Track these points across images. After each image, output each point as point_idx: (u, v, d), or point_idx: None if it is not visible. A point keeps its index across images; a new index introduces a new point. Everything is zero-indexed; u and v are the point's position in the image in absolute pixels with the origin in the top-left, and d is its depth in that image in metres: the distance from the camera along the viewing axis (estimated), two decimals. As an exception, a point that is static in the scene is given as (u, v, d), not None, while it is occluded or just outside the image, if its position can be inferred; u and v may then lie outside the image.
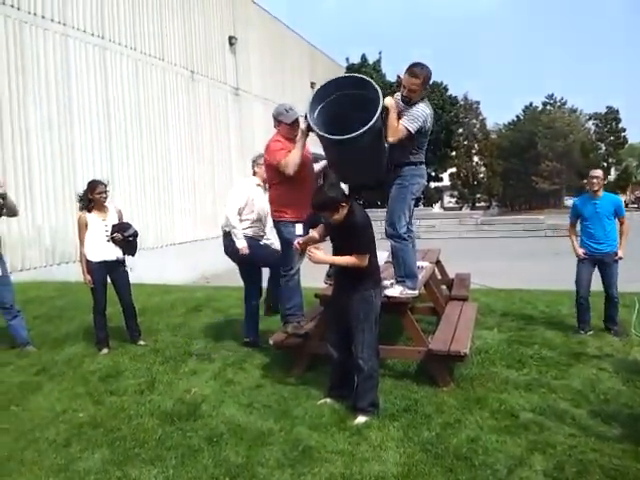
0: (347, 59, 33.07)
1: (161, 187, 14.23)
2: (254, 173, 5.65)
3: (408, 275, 4.72)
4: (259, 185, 5.54)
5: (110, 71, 12.66)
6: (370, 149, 4.37)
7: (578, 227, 6.16)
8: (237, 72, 18.17)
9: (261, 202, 5.44)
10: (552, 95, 51.29)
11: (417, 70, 4.49)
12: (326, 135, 4.24)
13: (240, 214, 5.38)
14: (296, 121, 4.87)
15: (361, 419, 3.75)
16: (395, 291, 4.64)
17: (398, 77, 31.76)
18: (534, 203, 48.87)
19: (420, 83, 4.49)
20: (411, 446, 3.40)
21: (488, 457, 3.23)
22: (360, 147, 4.19)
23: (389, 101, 4.46)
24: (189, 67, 15.63)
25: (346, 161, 4.50)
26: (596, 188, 5.88)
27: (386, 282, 4.89)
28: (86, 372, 4.88)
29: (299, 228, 4.87)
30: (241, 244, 5.29)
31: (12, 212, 5.60)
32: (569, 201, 48.18)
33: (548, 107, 50.78)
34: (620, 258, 5.84)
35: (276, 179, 4.83)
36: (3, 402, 4.29)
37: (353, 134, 4.04)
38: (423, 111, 4.52)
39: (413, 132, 4.47)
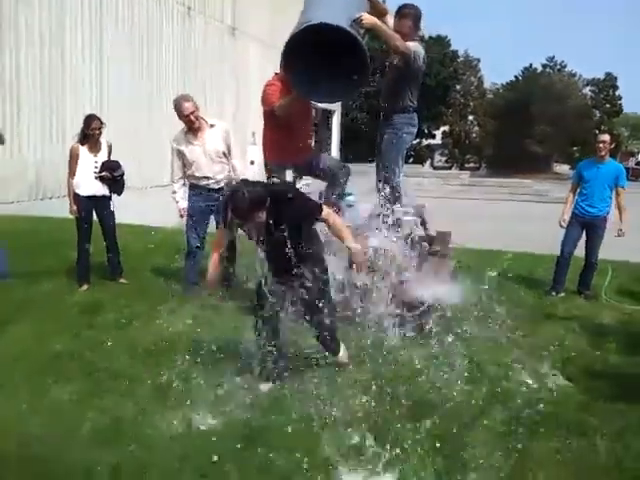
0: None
1: (152, 126, 14.01)
2: None
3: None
4: None
5: (105, 5, 12.30)
6: None
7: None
8: (235, 11, 17.70)
9: None
10: (553, 58, 50.58)
11: (406, 10, 4.48)
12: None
13: None
14: None
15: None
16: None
17: None
18: (524, 167, 48.83)
19: (411, 24, 4.45)
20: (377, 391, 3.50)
21: (452, 405, 3.35)
22: None
23: (366, 16, 4.08)
24: (186, 3, 15.19)
25: None
26: (602, 153, 5.89)
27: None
28: (65, 306, 4.93)
29: (289, 173, 4.90)
30: None
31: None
32: (558, 168, 48.31)
33: (547, 70, 50.16)
34: (623, 234, 5.83)
35: (269, 122, 4.80)
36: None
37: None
38: (415, 45, 4.42)
39: (411, 53, 4.34)
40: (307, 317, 3.50)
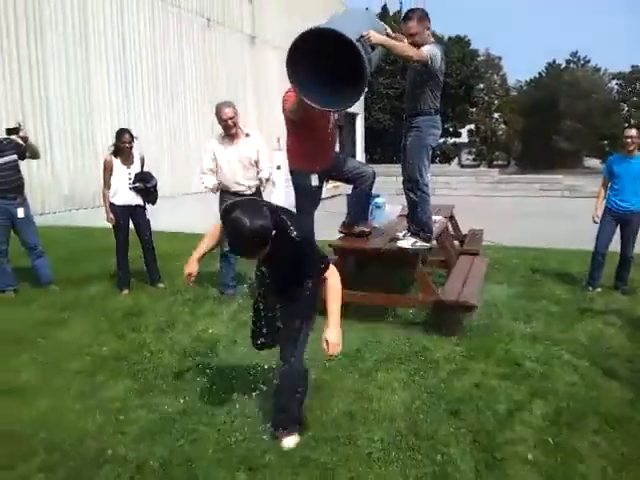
0: (367, 9, 32.21)
1: (177, 137, 14.27)
2: None
3: (423, 228, 4.81)
4: None
5: (127, 17, 12.57)
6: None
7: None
8: (254, 20, 17.87)
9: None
10: (576, 53, 49.85)
11: (409, 13, 4.58)
12: (317, 107, 4.20)
13: None
14: None
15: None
16: (407, 243, 4.74)
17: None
18: (553, 163, 48.21)
19: (416, 23, 4.48)
20: (417, 388, 3.56)
21: (491, 401, 3.39)
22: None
23: (373, 33, 4.07)
24: (205, 14, 15.41)
25: None
26: (631, 148, 5.83)
27: (399, 234, 5.00)
28: (108, 310, 5.09)
29: (315, 179, 4.95)
30: None
31: (34, 154, 5.78)
32: (588, 162, 47.53)
33: (571, 65, 49.48)
34: None
35: (292, 129, 4.89)
36: (30, 335, 4.51)
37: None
38: (430, 49, 4.42)
39: (427, 58, 4.34)
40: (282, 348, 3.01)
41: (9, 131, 5.49)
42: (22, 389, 3.57)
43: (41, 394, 3.50)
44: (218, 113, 5.27)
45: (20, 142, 5.56)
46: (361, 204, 5.17)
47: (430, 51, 4.40)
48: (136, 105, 12.89)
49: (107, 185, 5.63)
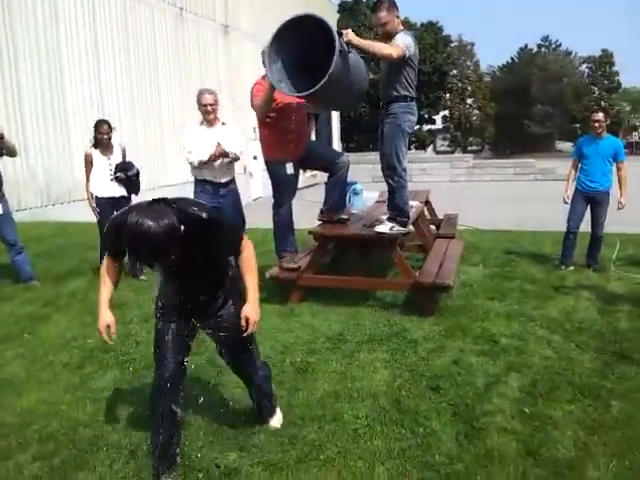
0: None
1: (152, 128, 14.19)
2: None
3: (400, 213, 4.93)
4: None
5: (98, 7, 12.43)
6: (344, 87, 4.35)
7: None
8: (227, 8, 17.77)
9: None
10: (547, 37, 50.53)
11: (378, 4, 4.65)
12: (290, 94, 4.31)
13: None
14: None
15: None
16: (385, 227, 4.85)
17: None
18: (526, 147, 48.86)
19: (386, 13, 4.57)
20: (398, 367, 3.69)
21: (469, 376, 3.53)
22: (333, 90, 4.15)
23: (351, 35, 4.20)
24: (177, 4, 15.29)
25: (324, 100, 4.53)
26: (599, 131, 6.02)
27: (380, 218, 5.11)
28: (91, 303, 5.08)
29: (289, 167, 5.02)
30: None
31: (11, 152, 5.73)
32: (560, 145, 48.27)
33: (543, 50, 50.06)
34: (622, 206, 5.98)
35: (263, 119, 4.95)
36: (15, 331, 4.54)
37: (316, 86, 3.97)
38: (403, 38, 4.52)
39: (405, 51, 4.44)
40: (237, 365, 2.87)
41: None
42: (10, 383, 3.62)
43: (30, 387, 3.55)
44: (199, 98, 5.36)
45: (1, 134, 5.52)
46: (338, 191, 5.27)
47: (404, 42, 4.49)
48: (109, 97, 12.77)
49: (88, 177, 5.63)
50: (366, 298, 5.09)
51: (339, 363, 3.76)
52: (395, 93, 4.68)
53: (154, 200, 2.32)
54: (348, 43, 4.17)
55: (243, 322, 2.57)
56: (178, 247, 2.23)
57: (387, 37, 4.63)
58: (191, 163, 5.32)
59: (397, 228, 4.88)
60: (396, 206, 4.92)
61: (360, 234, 5.00)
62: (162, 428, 2.55)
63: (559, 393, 3.28)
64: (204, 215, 2.38)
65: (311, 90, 4.04)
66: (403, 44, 4.46)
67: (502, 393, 3.31)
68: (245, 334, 2.59)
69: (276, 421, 3.01)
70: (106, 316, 2.61)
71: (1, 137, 5.54)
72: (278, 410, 3.05)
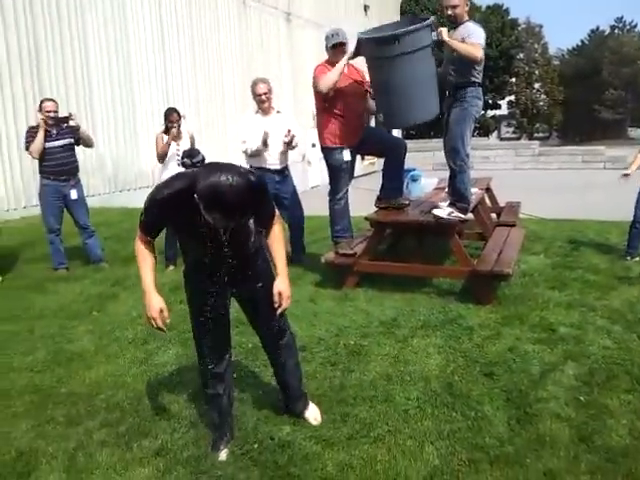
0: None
1: (215, 117, 14.50)
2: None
3: (461, 199, 4.89)
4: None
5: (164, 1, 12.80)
6: (421, 69, 4.42)
7: None
8: (288, -4, 17.88)
9: None
10: (621, 18, 48.20)
11: None
12: (373, 35, 4.47)
13: None
14: (338, 45, 4.93)
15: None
16: (443, 212, 4.82)
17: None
18: (596, 134, 46.91)
19: (457, 1, 4.57)
20: (452, 352, 3.69)
21: (524, 363, 3.50)
22: (409, 64, 4.30)
23: (444, 32, 4.46)
24: (241, -8, 15.52)
25: (394, 87, 4.52)
26: None
27: (439, 204, 5.08)
28: (156, 284, 5.33)
29: (347, 154, 5.08)
30: None
31: (87, 143, 6.08)
32: (633, 132, 46.01)
33: (616, 31, 47.78)
34: None
35: (321, 105, 5.01)
36: (85, 309, 4.81)
37: (402, 30, 4.18)
38: (478, 33, 4.56)
39: (483, 45, 4.55)
40: (268, 335, 2.80)
41: (59, 120, 5.76)
42: (81, 356, 3.86)
43: (99, 360, 3.78)
44: (253, 88, 5.51)
45: (77, 126, 5.85)
46: (395, 177, 5.27)
47: (480, 38, 4.53)
48: (175, 87, 13.15)
49: (158, 157, 5.84)
50: (422, 285, 5.09)
51: (392, 347, 3.80)
52: (465, 79, 4.68)
53: (210, 163, 2.37)
54: (440, 40, 4.43)
55: (276, 297, 2.57)
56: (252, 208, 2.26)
57: (452, 21, 4.67)
58: (244, 151, 5.46)
59: (456, 214, 4.84)
60: (457, 191, 4.88)
61: (417, 220, 5.00)
62: (217, 405, 2.70)
63: (616, 382, 3.21)
64: (253, 178, 2.32)
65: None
66: (480, 41, 4.52)
67: (557, 381, 3.27)
68: (280, 310, 2.59)
69: (312, 414, 2.90)
70: (157, 300, 2.50)
71: (78, 128, 5.88)
72: (313, 405, 2.96)
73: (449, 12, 4.64)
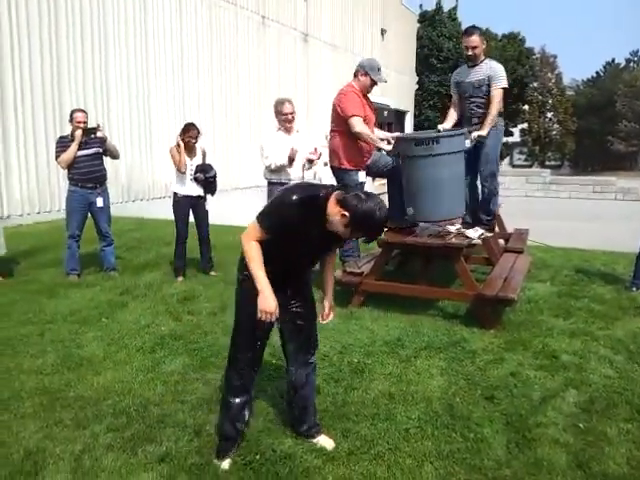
0: (420, 6, 32.20)
1: (230, 133, 14.70)
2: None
3: (490, 220, 5.43)
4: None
5: (185, 14, 13.06)
6: (452, 170, 4.84)
7: None
8: (307, 18, 18.17)
9: None
10: (637, 52, 48.39)
11: (471, 29, 5.34)
12: (413, 136, 4.79)
13: None
14: (377, 83, 5.28)
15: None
16: (475, 233, 5.11)
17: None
18: (608, 165, 46.88)
19: (478, 38, 5.21)
20: (454, 375, 3.74)
21: (526, 388, 3.54)
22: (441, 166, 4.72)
23: (484, 131, 5.19)
24: (260, 12, 15.80)
25: (426, 184, 4.86)
26: None
27: (450, 228, 5.18)
28: (165, 295, 5.44)
29: (362, 175, 5.23)
30: None
31: (114, 154, 6.24)
32: (645, 164, 45.97)
33: (632, 64, 47.98)
34: None
35: (344, 129, 5.13)
36: (95, 315, 4.90)
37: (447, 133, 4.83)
38: (498, 66, 5.27)
39: (507, 86, 5.27)
40: (301, 353, 2.91)
41: (88, 131, 5.91)
42: (90, 362, 3.93)
43: (107, 366, 3.85)
44: (280, 107, 5.67)
45: (104, 137, 6.01)
46: (400, 197, 5.37)
47: (504, 80, 5.29)
48: (191, 102, 13.36)
49: (177, 160, 5.88)
50: (427, 307, 5.14)
51: (395, 367, 3.85)
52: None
53: (354, 192, 2.58)
54: (481, 137, 5.17)
55: (327, 310, 2.87)
56: None
57: (472, 60, 5.31)
58: (268, 166, 5.57)
59: (485, 234, 5.12)
60: (490, 211, 5.46)
61: (424, 242, 5.06)
62: (235, 414, 2.76)
63: (616, 411, 3.25)
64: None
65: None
66: (505, 83, 5.27)
67: (557, 407, 3.30)
68: (327, 320, 2.89)
69: (326, 440, 2.90)
70: (274, 297, 2.57)
71: (105, 139, 6.04)
72: (325, 436, 2.93)
73: (469, 52, 5.26)
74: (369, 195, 2.54)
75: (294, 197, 2.54)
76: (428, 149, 4.66)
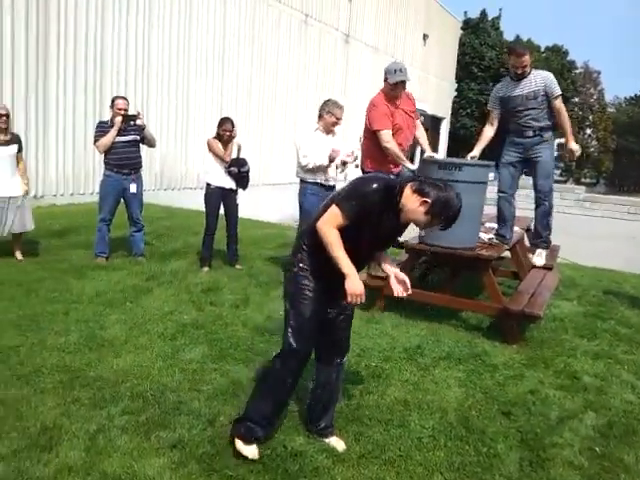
0: (465, 13, 31.92)
1: (265, 129, 14.76)
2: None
3: (549, 233, 5.45)
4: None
5: (229, 8, 13.16)
6: (471, 201, 4.55)
7: None
8: (350, 19, 18.15)
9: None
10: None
11: (520, 49, 5.25)
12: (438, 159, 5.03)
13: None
14: (400, 84, 5.15)
15: (238, 443, 2.75)
16: (541, 260, 5.34)
17: (517, 38, 30.38)
18: (646, 185, 45.88)
19: (528, 57, 5.11)
20: (472, 387, 3.70)
21: (544, 407, 3.49)
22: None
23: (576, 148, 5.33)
24: (304, 10, 15.83)
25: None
26: None
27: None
28: (190, 284, 5.50)
29: None
30: None
31: (151, 143, 6.33)
32: (685, 188, 44.81)
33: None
34: None
35: (370, 134, 5.25)
36: (120, 299, 4.97)
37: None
38: (551, 76, 5.20)
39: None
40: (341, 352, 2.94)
41: (127, 118, 6.01)
42: (112, 344, 3.99)
43: (128, 350, 3.90)
44: (334, 110, 5.67)
45: (143, 125, 6.10)
46: None
47: (558, 87, 5.20)
48: (229, 97, 13.46)
49: (220, 152, 5.95)
50: (450, 317, 5.10)
51: (413, 374, 3.83)
52: (548, 122, 5.21)
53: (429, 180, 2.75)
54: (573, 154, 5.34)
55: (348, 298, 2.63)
56: None
57: (520, 75, 5.16)
58: (305, 165, 5.58)
59: (545, 254, 5.26)
60: (549, 227, 5.46)
61: (452, 251, 5.02)
62: (282, 390, 2.77)
63: (635, 438, 3.18)
64: None
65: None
66: (559, 90, 5.22)
67: (575, 429, 3.25)
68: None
69: (338, 442, 2.90)
70: (360, 280, 2.59)
71: (144, 127, 6.13)
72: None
73: (519, 71, 5.13)
74: (445, 184, 2.69)
75: (374, 185, 2.60)
76: (450, 174, 4.57)
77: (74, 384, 3.36)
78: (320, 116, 5.71)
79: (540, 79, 5.16)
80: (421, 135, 5.57)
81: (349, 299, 2.57)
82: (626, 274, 7.84)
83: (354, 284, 2.56)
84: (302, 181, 5.74)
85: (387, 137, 5.15)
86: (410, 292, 2.81)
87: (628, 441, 3.15)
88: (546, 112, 5.19)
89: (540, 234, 5.64)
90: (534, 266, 6.33)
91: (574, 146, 5.26)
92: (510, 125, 5.40)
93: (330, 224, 2.59)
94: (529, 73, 5.18)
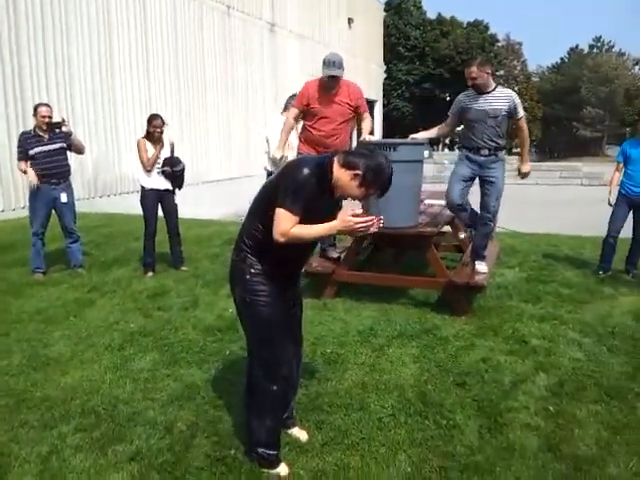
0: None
1: (197, 125, 14.50)
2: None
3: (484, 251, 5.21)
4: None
5: (149, 4, 12.82)
6: (410, 179, 4.76)
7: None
8: (273, 7, 18.00)
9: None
10: (600, 38, 49.27)
11: (470, 59, 5.25)
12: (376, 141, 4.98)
13: None
14: (332, 78, 5.08)
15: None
16: (484, 267, 5.05)
17: (439, 15, 30.68)
18: (574, 151, 47.73)
19: (475, 69, 4.87)
20: (426, 362, 3.76)
21: (497, 374, 3.58)
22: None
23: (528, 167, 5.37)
24: (225, 2, 15.59)
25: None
26: None
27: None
28: (134, 291, 5.35)
29: None
30: None
31: (79, 150, 6.09)
32: (610, 150, 46.92)
33: (595, 50, 48.85)
34: None
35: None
36: (62, 314, 4.78)
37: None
38: (512, 92, 5.11)
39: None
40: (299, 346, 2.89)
41: (52, 125, 5.75)
42: (57, 361, 3.83)
43: (75, 366, 3.76)
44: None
45: (69, 132, 5.85)
46: None
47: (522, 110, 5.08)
48: (157, 95, 13.14)
49: (144, 161, 5.78)
50: (399, 296, 5.16)
51: (368, 356, 3.85)
52: (503, 141, 5.07)
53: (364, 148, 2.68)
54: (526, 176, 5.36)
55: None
56: None
57: (477, 89, 4.95)
58: (281, 158, 5.50)
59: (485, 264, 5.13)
60: (486, 246, 5.25)
61: (395, 232, 5.06)
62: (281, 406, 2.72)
63: (585, 394, 3.30)
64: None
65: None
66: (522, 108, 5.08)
67: (528, 391, 3.35)
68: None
69: (300, 432, 2.88)
70: (341, 217, 2.46)
71: (70, 134, 5.89)
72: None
73: (469, 82, 4.95)
74: (370, 149, 2.58)
75: (306, 170, 2.42)
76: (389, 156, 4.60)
77: (20, 407, 3.21)
78: (286, 108, 5.83)
79: (506, 99, 4.94)
80: (365, 127, 5.41)
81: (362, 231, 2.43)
82: (562, 236, 8.15)
83: (343, 226, 2.42)
84: (270, 174, 5.75)
85: (289, 114, 5.38)
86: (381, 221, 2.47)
87: (579, 397, 3.26)
88: (502, 132, 5.04)
89: (478, 253, 5.21)
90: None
91: (527, 168, 5.32)
92: (464, 140, 5.20)
93: (286, 229, 2.40)
94: (493, 89, 4.96)
